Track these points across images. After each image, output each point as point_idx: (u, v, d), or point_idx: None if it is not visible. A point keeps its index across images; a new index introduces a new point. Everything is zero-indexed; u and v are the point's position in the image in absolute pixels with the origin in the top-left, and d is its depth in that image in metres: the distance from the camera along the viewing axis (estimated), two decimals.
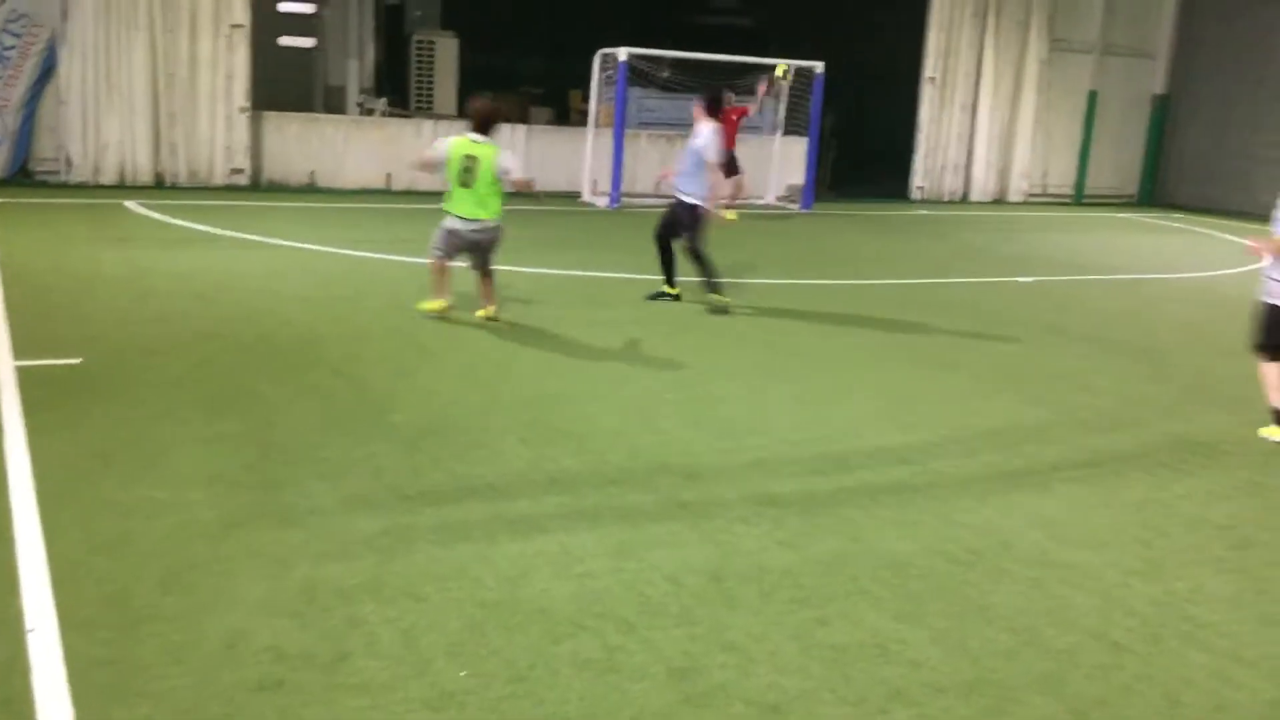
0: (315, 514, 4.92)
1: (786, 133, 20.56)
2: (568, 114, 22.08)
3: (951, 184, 23.13)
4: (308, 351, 7.74)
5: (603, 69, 18.50)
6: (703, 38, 24.20)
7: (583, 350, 8.28)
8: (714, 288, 9.99)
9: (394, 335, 8.41)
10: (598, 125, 18.77)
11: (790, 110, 20.44)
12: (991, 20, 22.50)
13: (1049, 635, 4.19)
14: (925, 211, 20.92)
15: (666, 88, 20.44)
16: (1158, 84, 24.87)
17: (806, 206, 19.82)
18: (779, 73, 19.09)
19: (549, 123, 21.26)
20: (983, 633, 4.18)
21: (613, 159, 18.08)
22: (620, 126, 18.05)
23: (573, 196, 18.63)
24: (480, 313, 8.98)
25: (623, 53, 17.75)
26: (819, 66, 19.36)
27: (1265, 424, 7.02)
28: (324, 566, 4.40)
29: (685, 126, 20.61)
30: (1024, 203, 23.49)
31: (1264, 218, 9.24)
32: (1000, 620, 4.29)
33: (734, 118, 17.10)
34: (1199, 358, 9.36)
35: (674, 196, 10.20)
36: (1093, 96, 24.10)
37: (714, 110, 10.30)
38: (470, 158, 8.66)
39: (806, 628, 4.13)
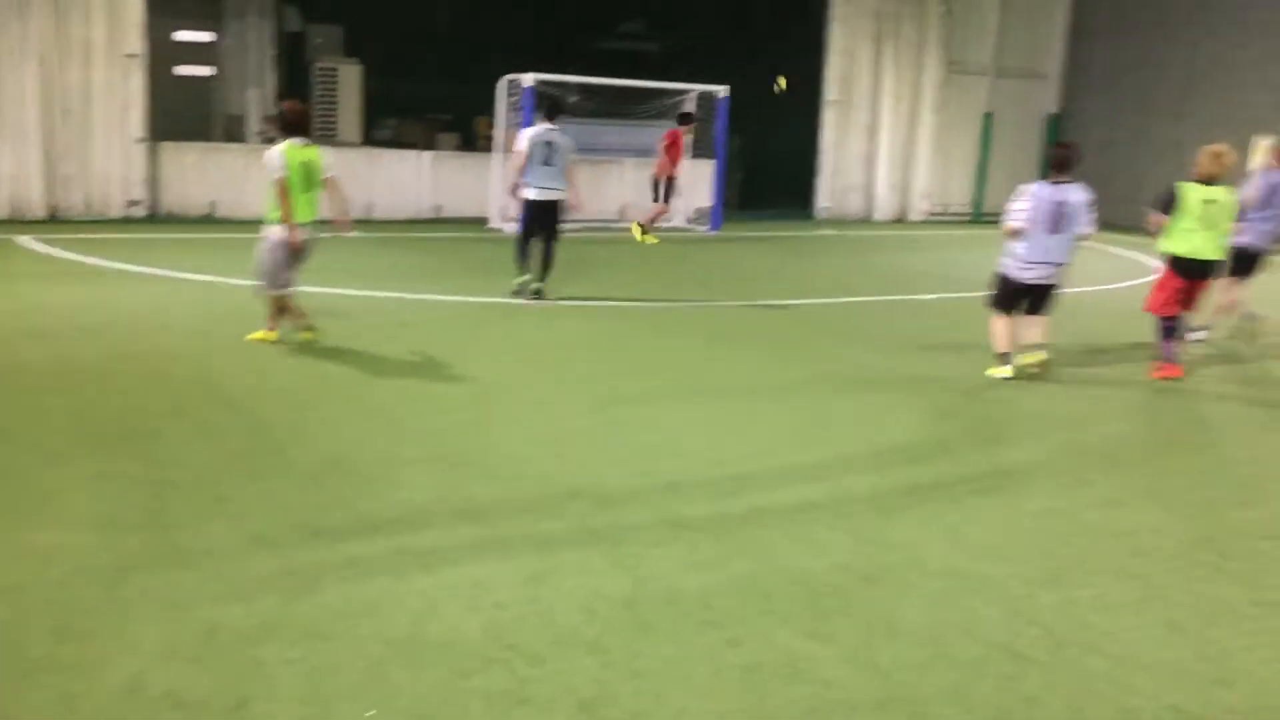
0: (214, 555, 4.78)
1: (694, 156, 20.73)
2: (474, 140, 21.99)
3: (855, 204, 23.55)
4: (203, 387, 7.55)
5: (509, 94, 18.48)
6: (610, 63, 24.28)
7: (490, 377, 8.20)
8: (544, 278, 11.52)
9: (294, 368, 8.25)
10: (505, 151, 18.70)
11: (698, 134, 20.63)
12: (889, 44, 23.01)
13: (957, 647, 4.24)
14: (831, 232, 21.23)
15: (575, 113, 20.47)
16: (1050, 103, 25.64)
17: (715, 228, 20.00)
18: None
19: (456, 149, 21.17)
20: (892, 648, 4.21)
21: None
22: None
23: (481, 222, 18.54)
24: (304, 334, 8.94)
25: (529, 78, 17.76)
26: (723, 90, 19.61)
27: (1169, 434, 7.23)
28: (224, 608, 4.27)
29: (596, 151, 20.76)
30: (925, 221, 24.00)
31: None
32: (909, 634, 4.33)
33: (678, 142, 17.82)
34: (1098, 367, 9.60)
35: (545, 197, 11.43)
36: (988, 117, 24.76)
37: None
38: (308, 164, 8.65)
39: (719, 650, 4.12)
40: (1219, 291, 10.51)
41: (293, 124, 8.73)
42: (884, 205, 23.68)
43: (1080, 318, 12.32)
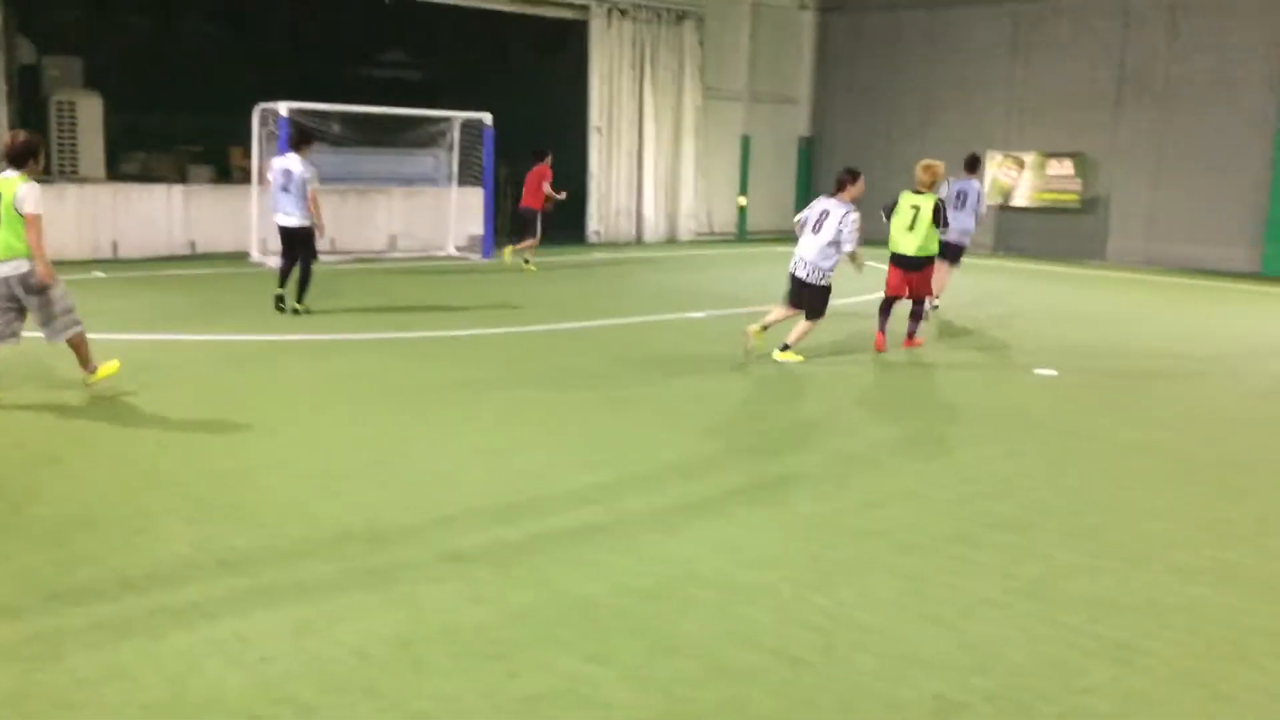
0: None
1: (461, 183, 20.61)
2: (230, 172, 21.14)
3: (625, 227, 23.97)
4: None
5: (263, 124, 17.86)
6: (371, 90, 23.85)
7: (255, 418, 7.86)
8: (300, 298, 12.56)
9: (35, 418, 7.67)
10: (262, 183, 18.07)
11: (463, 161, 20.53)
12: (648, 70, 23.59)
13: (734, 657, 4.32)
14: (602, 255, 21.50)
15: (337, 143, 20.01)
16: (802, 127, 26.84)
17: (487, 255, 19.92)
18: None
19: (210, 181, 20.26)
20: (672, 663, 4.25)
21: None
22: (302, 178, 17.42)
23: (241, 257, 17.81)
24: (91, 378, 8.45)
25: (283, 107, 17.23)
26: (487, 118, 19.59)
27: (927, 437, 7.62)
28: None
29: (358, 181, 20.32)
30: (693, 242, 24.64)
31: None
32: (688, 649, 4.38)
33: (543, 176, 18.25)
34: (858, 376, 10.06)
35: (282, 223, 12.57)
36: (746, 140, 25.70)
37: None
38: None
39: (499, 682, 4.06)
40: (940, 274, 12.83)
41: (9, 155, 8.14)
42: (653, 227, 24.20)
43: (841, 327, 12.90)
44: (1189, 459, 7.48)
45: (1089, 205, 22.13)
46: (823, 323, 10.57)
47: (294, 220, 12.52)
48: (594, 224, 23.56)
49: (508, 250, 18.96)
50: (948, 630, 4.62)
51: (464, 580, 5.03)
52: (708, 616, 4.70)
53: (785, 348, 10.39)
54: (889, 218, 11.48)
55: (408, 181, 21.08)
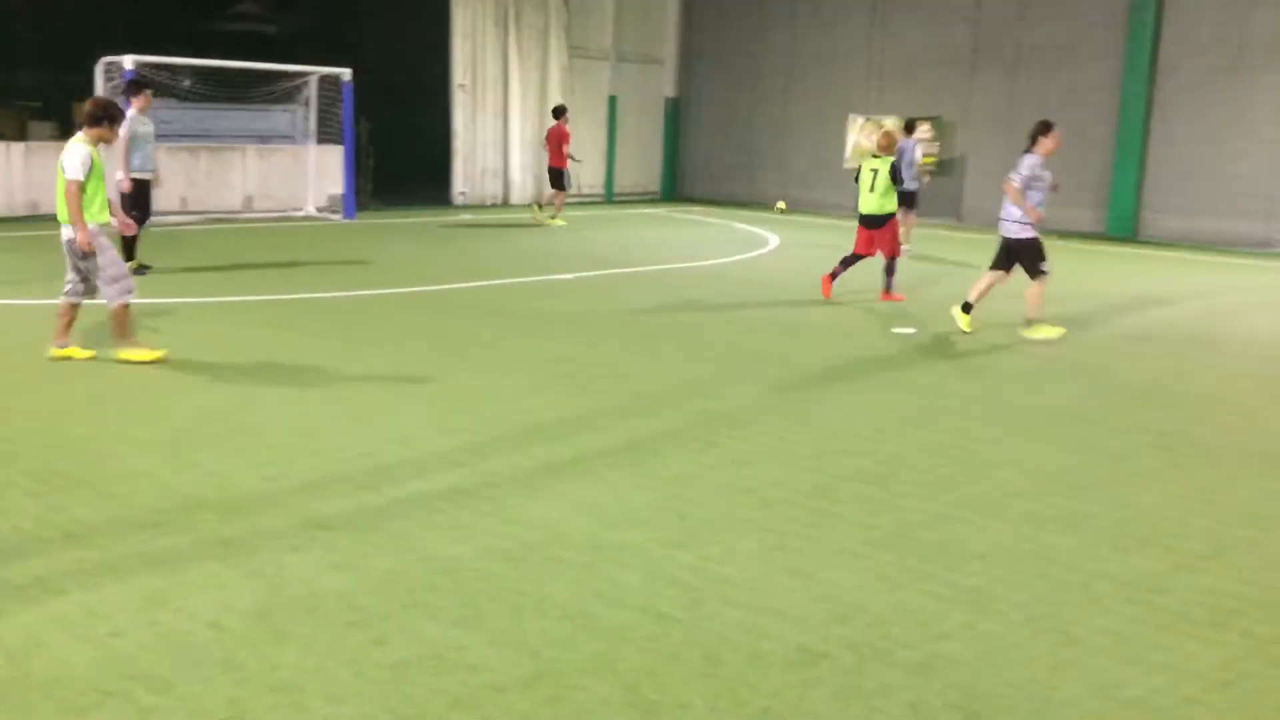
0: None
1: (320, 141, 20.04)
2: (74, 127, 20.12)
3: (492, 188, 23.68)
4: None
5: (108, 79, 17.03)
6: (223, 44, 22.95)
7: (100, 386, 7.53)
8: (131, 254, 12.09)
9: None
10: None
11: (322, 118, 19.95)
12: (512, 28, 23.26)
13: (601, 616, 4.33)
14: (469, 216, 21.21)
15: (187, 98, 19.24)
16: (668, 88, 26.87)
17: (349, 216, 19.46)
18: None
19: (52, 138, 19.28)
20: (539, 625, 4.24)
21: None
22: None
23: None
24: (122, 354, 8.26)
25: (128, 60, 16.45)
26: (346, 74, 19.06)
27: (787, 395, 7.74)
28: None
29: (211, 138, 19.57)
30: None
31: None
32: (555, 610, 4.38)
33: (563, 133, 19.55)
34: (722, 338, 10.16)
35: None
36: (613, 101, 25.61)
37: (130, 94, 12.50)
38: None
39: (362, 650, 3.98)
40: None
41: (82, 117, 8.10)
42: (520, 188, 23.97)
43: (711, 288, 13.01)
44: (1035, 412, 7.78)
45: (945, 167, 22.74)
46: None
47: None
48: (459, 185, 23.21)
49: (535, 208, 20.61)
50: (810, 582, 4.72)
51: (325, 547, 4.92)
52: (575, 577, 4.70)
53: (1030, 323, 10.49)
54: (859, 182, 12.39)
55: (263, 139, 20.42)
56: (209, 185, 19.02)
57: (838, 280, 12.51)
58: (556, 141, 19.69)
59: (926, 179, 18.25)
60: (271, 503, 5.47)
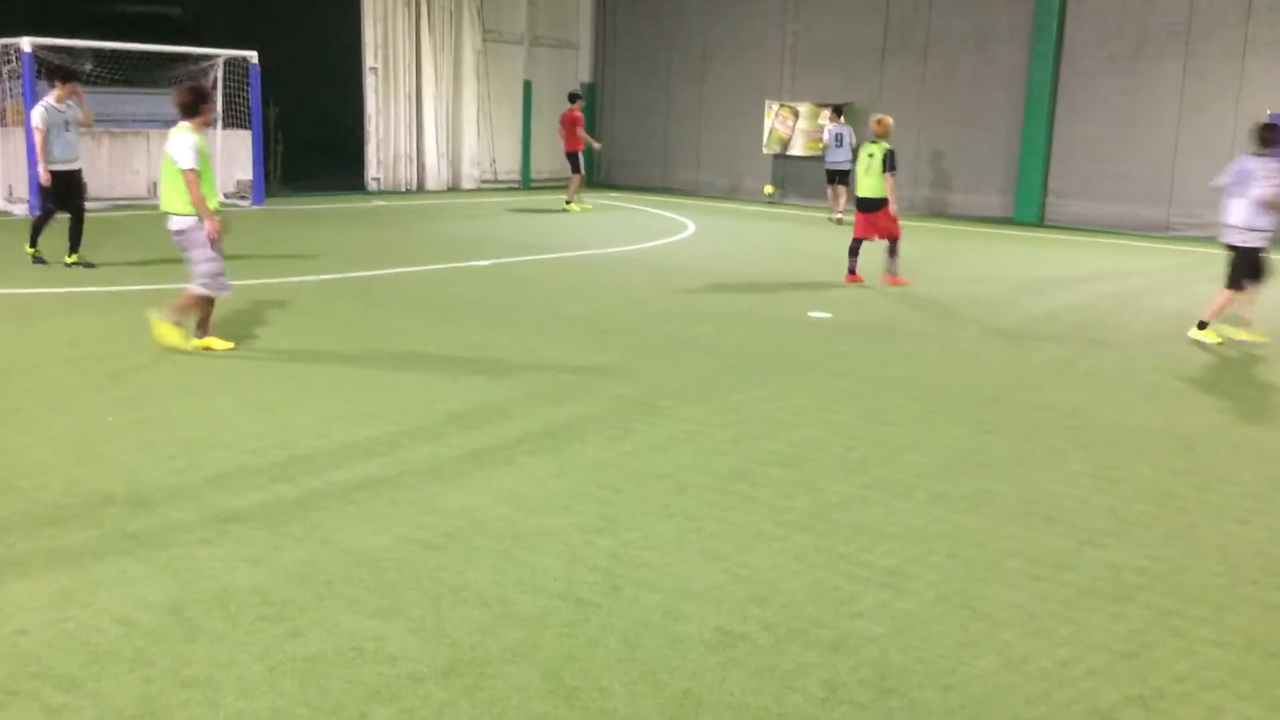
0: None
1: (227, 126, 19.60)
2: None
3: (406, 174, 23.38)
4: None
5: (4, 62, 16.48)
6: (125, 26, 22.33)
7: (4, 378, 7.29)
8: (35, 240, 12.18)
9: None
10: (5, 124, 16.72)
11: (228, 102, 19.51)
12: (424, 10, 22.97)
13: (521, 604, 4.33)
14: (382, 203, 20.94)
15: (89, 81, 18.67)
16: (584, 73, 26.77)
17: (258, 202, 19.09)
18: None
19: None
20: (458, 613, 4.23)
21: (28, 161, 16.17)
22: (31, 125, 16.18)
23: None
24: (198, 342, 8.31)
25: (26, 43, 15.92)
26: (253, 56, 18.67)
27: (704, 380, 7.79)
28: None
29: (113, 122, 19.03)
30: (477, 189, 24.30)
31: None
32: (474, 598, 4.36)
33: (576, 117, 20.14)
34: (638, 324, 10.19)
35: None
36: (528, 85, 25.44)
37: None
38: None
39: (277, 644, 3.93)
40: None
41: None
42: (435, 174, 23.71)
43: (627, 273, 13.02)
44: (944, 395, 7.94)
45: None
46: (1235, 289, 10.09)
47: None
48: (373, 170, 22.88)
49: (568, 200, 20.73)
50: (727, 564, 4.77)
51: (237, 540, 4.84)
52: (494, 565, 4.69)
53: (1202, 325, 10.23)
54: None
55: (168, 123, 19.88)
56: (111, 172, 18.50)
57: (858, 270, 12.93)
58: (570, 126, 20.14)
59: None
60: (181, 496, 5.36)
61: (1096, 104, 19.98)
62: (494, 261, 13.59)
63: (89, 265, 12.04)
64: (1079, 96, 20.17)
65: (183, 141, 7.93)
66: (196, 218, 7.99)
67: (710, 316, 10.64)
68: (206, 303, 8.27)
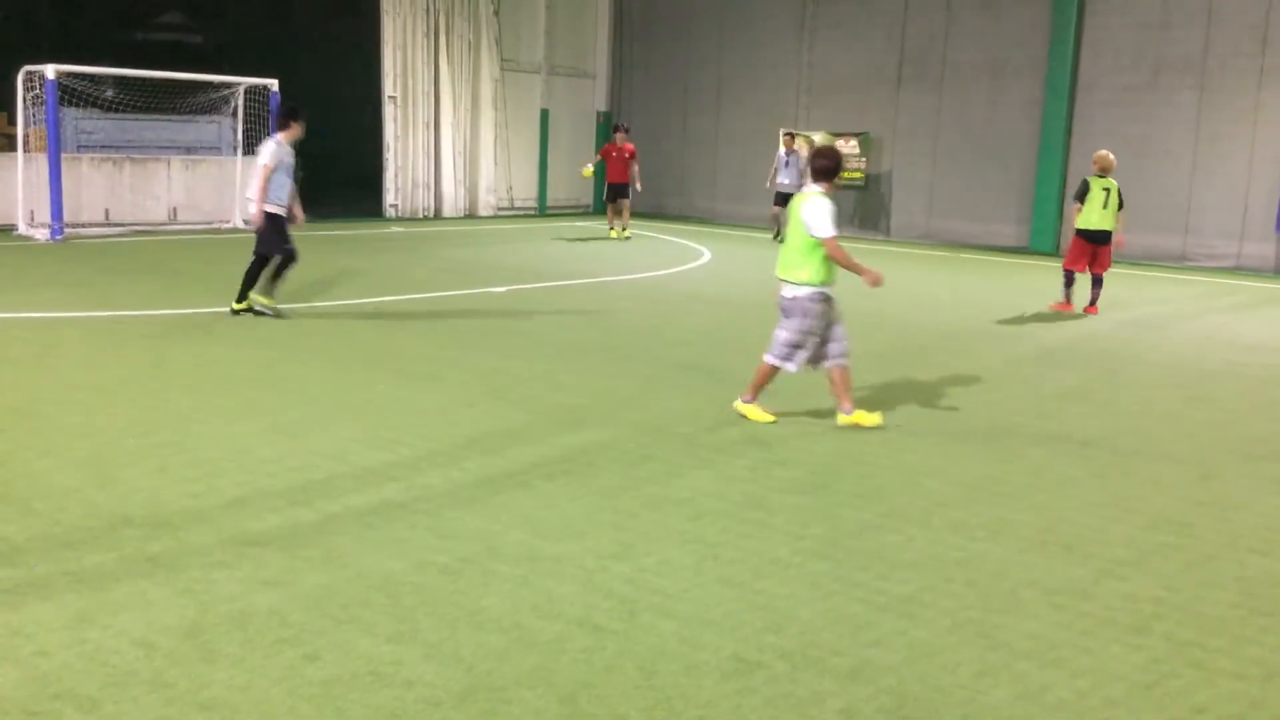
0: None
1: (247, 153, 19.79)
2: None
3: (423, 201, 23.54)
4: None
5: (28, 88, 16.69)
6: (147, 54, 22.60)
7: (20, 402, 7.36)
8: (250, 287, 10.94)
9: None
10: (28, 150, 16.91)
11: (248, 131, 19.70)
12: (443, 40, 23.18)
13: (537, 629, 4.33)
14: (400, 229, 21.07)
15: (111, 108, 18.92)
16: (600, 102, 26.95)
17: None
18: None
19: None
20: (475, 638, 4.23)
21: (50, 187, 16.36)
22: (56, 151, 16.38)
23: (8, 230, 16.61)
24: None
25: (50, 70, 16.12)
26: (274, 84, 18.87)
27: (719, 407, 7.80)
28: None
29: (135, 148, 19.24)
30: (493, 216, 24.43)
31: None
32: (491, 623, 4.37)
33: (625, 154, 20.80)
34: (655, 350, 10.21)
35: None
36: (545, 114, 25.62)
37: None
38: None
39: (295, 667, 3.94)
40: None
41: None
42: (451, 201, 23.86)
43: (643, 299, 13.06)
44: (962, 423, 7.92)
45: (873, 182, 23.09)
46: None
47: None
48: (390, 197, 23.05)
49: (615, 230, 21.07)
50: (743, 591, 4.77)
51: (255, 564, 4.86)
52: (510, 590, 4.70)
53: None
54: (1080, 201, 13.18)
55: (189, 150, 20.12)
56: (133, 197, 18.67)
57: (1071, 299, 13.61)
58: (629, 159, 20.75)
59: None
60: (200, 519, 5.39)
61: (1112, 134, 20.00)
62: (510, 288, 13.66)
63: (277, 314, 10.95)
64: (1094, 126, 20.20)
65: (815, 207, 7.42)
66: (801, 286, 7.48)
67: (725, 343, 10.65)
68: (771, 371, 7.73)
